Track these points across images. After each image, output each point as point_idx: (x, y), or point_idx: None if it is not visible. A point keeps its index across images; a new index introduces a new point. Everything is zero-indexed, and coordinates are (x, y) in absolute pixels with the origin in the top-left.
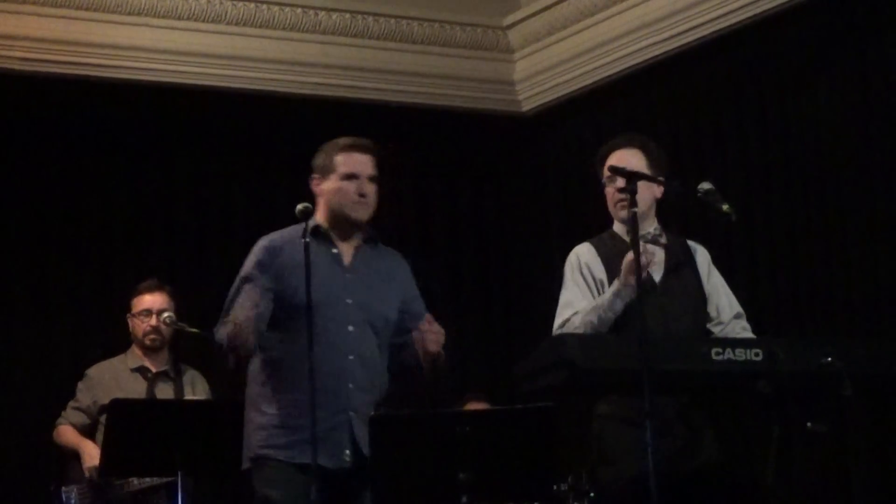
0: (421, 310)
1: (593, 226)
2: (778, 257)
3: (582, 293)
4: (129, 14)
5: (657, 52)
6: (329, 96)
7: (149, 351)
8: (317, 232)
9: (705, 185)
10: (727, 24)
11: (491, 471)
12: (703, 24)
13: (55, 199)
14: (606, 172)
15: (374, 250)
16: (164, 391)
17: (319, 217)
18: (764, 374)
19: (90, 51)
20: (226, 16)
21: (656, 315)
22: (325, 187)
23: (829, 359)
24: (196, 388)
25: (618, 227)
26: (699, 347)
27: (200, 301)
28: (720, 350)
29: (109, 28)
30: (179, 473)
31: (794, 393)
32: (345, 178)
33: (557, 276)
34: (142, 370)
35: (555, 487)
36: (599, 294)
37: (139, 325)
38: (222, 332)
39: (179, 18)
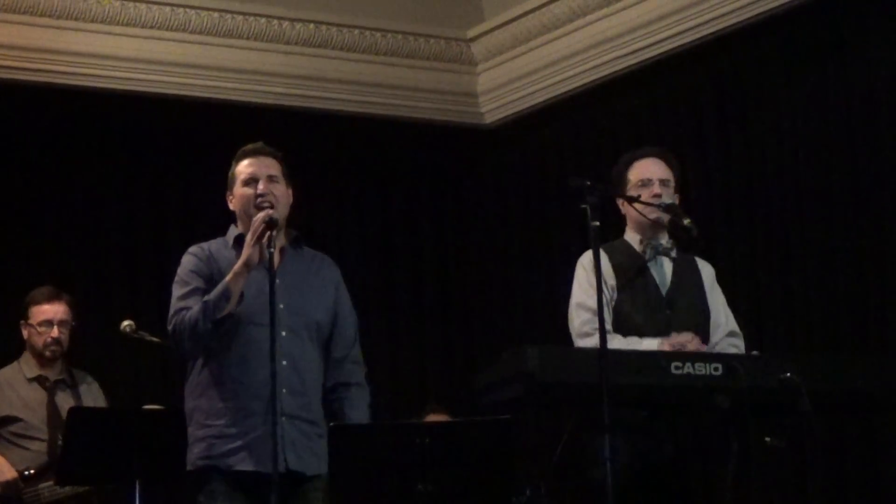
0: (350, 332)
1: (554, 238)
2: (738, 270)
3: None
4: (92, 21)
5: (619, 67)
6: (292, 106)
7: (46, 360)
8: (240, 241)
9: (667, 200)
10: (689, 39)
11: (450, 482)
12: (664, 39)
13: None
14: (634, 181)
15: (300, 253)
16: (64, 399)
17: (241, 227)
18: (723, 388)
19: (52, 58)
20: (189, 25)
21: (661, 327)
22: (234, 199)
23: (788, 374)
24: (94, 395)
25: (629, 236)
26: (659, 361)
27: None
28: (679, 364)
29: (71, 35)
30: (137, 483)
31: (752, 408)
32: (244, 184)
33: (517, 288)
34: (40, 379)
35: (513, 499)
36: (609, 299)
37: (38, 337)
38: (195, 309)
39: (143, 27)
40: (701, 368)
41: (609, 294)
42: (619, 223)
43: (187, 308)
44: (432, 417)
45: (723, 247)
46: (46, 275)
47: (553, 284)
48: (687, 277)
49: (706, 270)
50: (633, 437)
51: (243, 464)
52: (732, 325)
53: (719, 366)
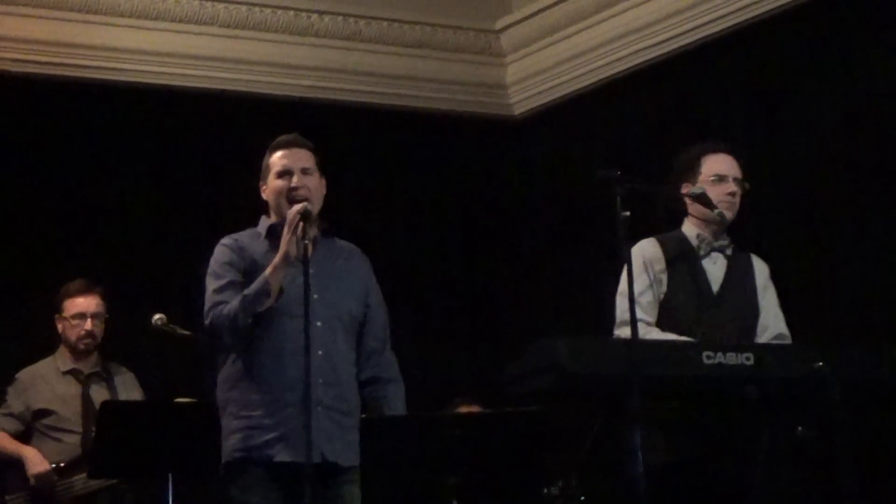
0: (381, 324)
1: (582, 229)
2: (766, 260)
3: (646, 290)
4: (121, 16)
5: (648, 57)
6: (320, 99)
7: (80, 353)
8: (273, 231)
9: (697, 190)
10: (716, 29)
11: (481, 474)
12: (692, 29)
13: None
14: (707, 174)
15: (332, 244)
16: (99, 392)
17: (274, 218)
18: (754, 378)
19: (81, 53)
20: (217, 18)
21: (708, 324)
22: (268, 190)
23: (819, 364)
24: (129, 388)
25: (687, 229)
26: (690, 352)
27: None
28: (711, 354)
29: (101, 30)
30: (170, 476)
31: (783, 398)
32: (278, 176)
33: (546, 278)
34: (74, 372)
35: (545, 491)
36: (656, 291)
37: (72, 330)
38: (234, 304)
39: (171, 21)
40: (732, 358)
41: (657, 286)
42: (675, 214)
43: (224, 302)
44: (464, 409)
45: (749, 237)
46: (76, 269)
47: (581, 275)
48: (739, 276)
49: (761, 270)
50: (665, 433)
51: (280, 455)
52: (781, 327)
53: (751, 355)
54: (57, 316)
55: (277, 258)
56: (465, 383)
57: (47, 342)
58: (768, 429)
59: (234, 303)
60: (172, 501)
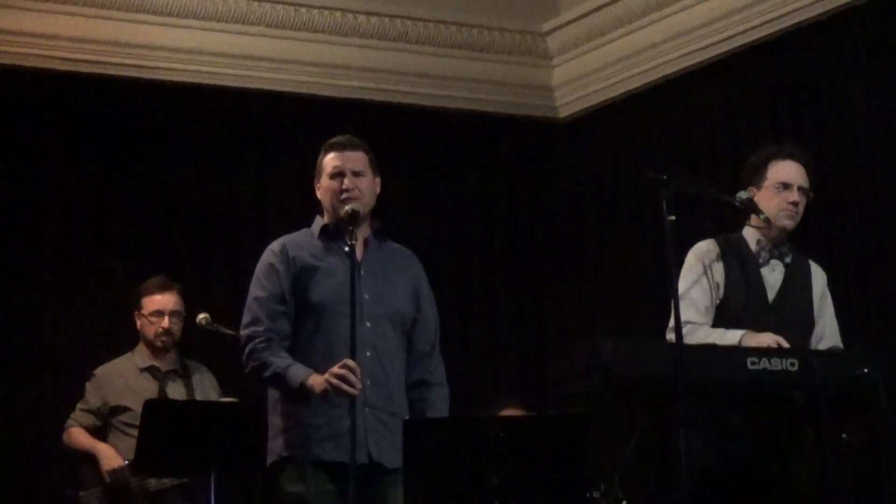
0: (431, 327)
1: (627, 231)
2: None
3: (703, 293)
4: (170, 15)
5: (694, 61)
6: (367, 100)
7: (158, 351)
8: (325, 231)
9: (743, 195)
10: (763, 33)
11: (524, 476)
12: (739, 33)
13: (64, 196)
14: (773, 181)
15: (383, 245)
16: (176, 390)
17: (326, 217)
18: (799, 384)
19: (130, 51)
20: (265, 19)
21: (763, 331)
22: (321, 189)
23: (865, 370)
24: (206, 386)
25: (748, 234)
26: (735, 356)
27: (206, 297)
28: (756, 359)
29: (150, 29)
30: (213, 474)
31: (829, 403)
32: (331, 177)
33: (590, 280)
34: (152, 370)
35: (588, 494)
36: (713, 295)
37: (150, 327)
38: (269, 359)
39: (219, 20)
40: (777, 364)
41: (713, 291)
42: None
43: (262, 324)
44: (507, 412)
45: (796, 240)
46: (124, 268)
47: (627, 277)
48: (797, 284)
49: (818, 278)
50: (711, 436)
51: (328, 454)
52: (835, 338)
53: (795, 361)
54: (136, 312)
55: (315, 389)
56: (510, 384)
57: (127, 339)
58: (814, 434)
59: (270, 357)
60: (215, 500)
